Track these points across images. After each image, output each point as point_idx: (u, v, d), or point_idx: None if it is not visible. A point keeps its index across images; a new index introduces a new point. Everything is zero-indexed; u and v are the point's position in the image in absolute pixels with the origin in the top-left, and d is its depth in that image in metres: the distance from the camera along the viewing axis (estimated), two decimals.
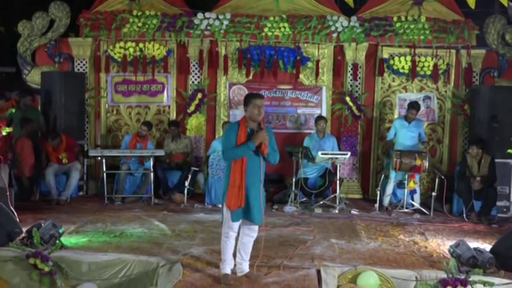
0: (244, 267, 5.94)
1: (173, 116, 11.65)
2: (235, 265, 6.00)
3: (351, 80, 11.47)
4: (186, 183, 10.24)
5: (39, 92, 11.40)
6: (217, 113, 11.65)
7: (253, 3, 11.61)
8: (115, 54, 11.52)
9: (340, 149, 10.86)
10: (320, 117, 10.79)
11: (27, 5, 13.89)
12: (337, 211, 9.85)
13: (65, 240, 7.11)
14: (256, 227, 5.87)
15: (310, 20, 11.36)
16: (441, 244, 7.72)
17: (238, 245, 5.98)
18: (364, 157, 11.65)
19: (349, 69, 11.48)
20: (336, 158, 10.07)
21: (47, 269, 6.24)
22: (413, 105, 10.32)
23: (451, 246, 6.54)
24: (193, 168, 10.45)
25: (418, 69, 11.32)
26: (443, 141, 11.55)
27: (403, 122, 10.37)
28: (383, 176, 10.42)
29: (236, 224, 5.81)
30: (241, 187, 5.70)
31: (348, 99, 11.34)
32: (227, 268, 5.90)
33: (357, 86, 11.47)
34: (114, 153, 10.56)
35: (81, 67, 11.63)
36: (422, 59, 11.31)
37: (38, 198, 10.30)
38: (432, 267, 6.47)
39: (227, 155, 5.81)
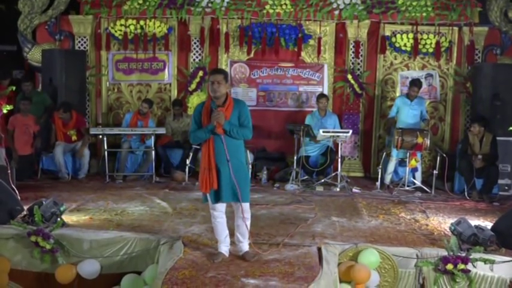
0: (243, 247, 5.89)
1: (174, 94, 11.61)
2: (236, 245, 5.96)
3: (352, 58, 11.41)
4: (188, 162, 10.22)
5: (40, 70, 11.36)
6: None
7: None
8: (116, 31, 11.46)
9: (341, 127, 10.82)
10: (321, 95, 10.75)
11: None
12: (338, 189, 9.84)
13: (67, 218, 7.11)
14: (242, 206, 5.69)
15: None
16: (442, 222, 7.71)
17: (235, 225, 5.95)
18: (365, 135, 11.63)
19: (351, 46, 11.40)
20: (338, 136, 10.05)
21: (48, 246, 6.25)
22: (415, 83, 10.26)
23: (452, 224, 6.51)
24: (194, 146, 10.41)
25: (420, 46, 11.25)
26: (445, 119, 11.51)
27: (405, 99, 10.32)
28: (384, 154, 10.39)
29: (217, 205, 5.76)
30: (211, 168, 5.62)
31: (349, 77, 11.29)
32: (221, 247, 5.89)
33: (358, 64, 11.40)
34: (115, 131, 10.52)
35: (81, 45, 11.57)
36: (425, 36, 11.24)
37: (40, 176, 10.30)
38: (433, 245, 6.45)
39: (192, 138, 5.82)
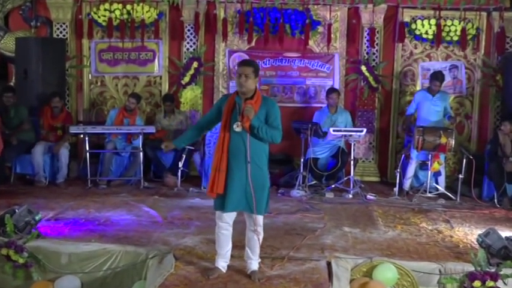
0: (251, 265, 5.85)
1: (165, 88, 11.62)
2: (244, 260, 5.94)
3: (367, 47, 11.41)
4: (180, 164, 10.20)
5: (13, 61, 11.36)
6: (215, 85, 11.62)
7: None
8: (99, 17, 11.46)
9: (354, 125, 10.83)
10: (332, 90, 10.74)
11: None
12: (351, 196, 9.85)
13: (42, 228, 7.08)
14: (255, 218, 5.67)
15: None
16: (469, 233, 7.71)
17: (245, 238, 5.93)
18: (382, 134, 11.63)
19: (365, 34, 11.40)
20: (350, 136, 10.05)
21: (21, 260, 6.24)
22: (437, 76, 10.25)
23: (479, 236, 6.51)
24: (188, 147, 10.38)
25: (443, 34, 11.23)
26: (472, 117, 11.51)
27: (426, 94, 10.30)
28: (403, 156, 10.37)
29: (224, 214, 5.71)
30: (222, 170, 5.59)
31: (363, 68, 11.28)
32: (218, 261, 5.86)
33: (374, 54, 11.40)
34: (98, 130, 10.51)
35: (60, 32, 11.58)
36: (449, 22, 11.21)
37: (13, 181, 10.31)
38: (458, 260, 6.45)
39: (194, 125, 6.03)
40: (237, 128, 5.52)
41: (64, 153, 10.40)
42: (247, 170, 5.55)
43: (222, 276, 5.75)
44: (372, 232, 7.65)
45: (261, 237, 5.75)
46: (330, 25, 11.33)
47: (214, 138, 9.78)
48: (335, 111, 10.61)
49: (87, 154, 10.27)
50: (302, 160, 10.23)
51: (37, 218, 6.86)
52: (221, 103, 5.80)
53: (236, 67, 11.11)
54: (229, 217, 5.76)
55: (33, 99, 10.74)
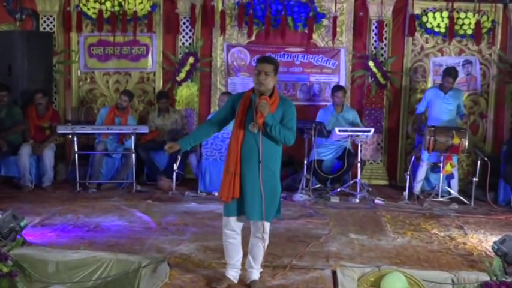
0: (252, 274, 5.85)
1: (159, 84, 11.64)
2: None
3: (375, 41, 11.42)
4: (175, 167, 10.21)
5: None
6: (212, 82, 11.64)
7: None
8: (88, 9, 11.47)
9: (361, 125, 10.82)
10: (337, 88, 10.75)
11: None
12: (357, 200, 9.87)
13: (28, 235, 7.08)
14: (261, 225, 5.66)
15: None
16: (483, 240, 7.72)
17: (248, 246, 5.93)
18: (390, 135, 11.65)
19: (373, 27, 11.42)
20: (357, 136, 10.06)
21: (5, 269, 6.21)
22: (450, 72, 10.25)
23: (495, 243, 6.50)
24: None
25: (456, 27, 11.24)
26: (487, 116, 11.52)
27: (438, 91, 10.31)
28: (413, 157, 10.39)
29: (232, 220, 5.71)
30: (236, 173, 5.60)
31: (371, 64, 11.29)
32: (228, 271, 5.85)
33: (382, 49, 11.41)
34: (87, 129, 10.53)
35: (47, 25, 11.58)
36: (462, 15, 11.22)
37: None
38: (472, 268, 6.47)
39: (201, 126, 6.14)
40: (252, 128, 5.52)
41: (48, 154, 10.36)
42: (259, 172, 5.55)
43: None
44: (380, 239, 7.66)
45: (266, 244, 5.76)
46: (335, 18, 11.34)
47: (211, 139, 9.79)
48: (341, 110, 10.62)
49: (76, 156, 10.26)
50: (305, 162, 10.21)
51: (22, 224, 6.84)
52: (235, 101, 5.79)
53: (236, 63, 11.33)
54: (237, 225, 5.76)
55: (18, 97, 10.74)
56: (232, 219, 5.71)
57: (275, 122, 5.53)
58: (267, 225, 5.69)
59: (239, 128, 5.64)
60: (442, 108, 10.25)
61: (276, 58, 11.20)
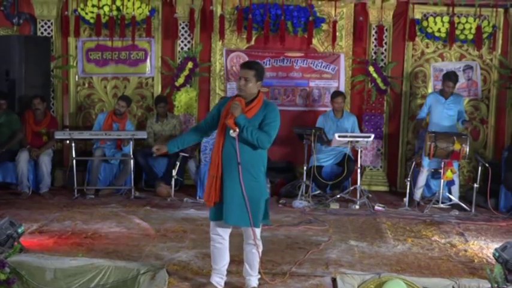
0: (251, 282, 5.88)
1: (158, 90, 11.63)
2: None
3: (375, 46, 11.44)
4: (174, 173, 10.22)
5: None
6: (211, 87, 11.64)
7: None
8: (86, 14, 11.47)
9: (361, 131, 10.85)
10: (337, 93, 10.75)
11: None
12: (357, 207, 9.88)
13: (26, 241, 7.09)
14: (249, 231, 5.68)
15: None
16: (484, 247, 7.72)
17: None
18: (391, 140, 11.65)
19: (373, 32, 11.44)
20: (357, 142, 10.06)
21: (3, 277, 6.22)
22: (450, 77, 10.25)
23: (496, 250, 6.50)
24: (182, 154, 10.39)
25: (457, 32, 11.25)
26: (488, 121, 11.53)
27: (439, 97, 10.32)
28: (414, 163, 10.39)
29: (216, 225, 5.76)
30: (217, 176, 5.65)
31: (371, 69, 11.30)
32: (213, 277, 5.89)
33: (382, 54, 11.43)
34: (85, 135, 10.53)
35: (45, 30, 11.59)
36: (463, 19, 11.24)
37: None
38: (473, 275, 6.48)
39: (189, 130, 6.24)
40: (233, 133, 5.56)
41: (45, 160, 10.36)
42: (239, 176, 5.57)
43: None
44: (380, 246, 7.66)
45: (260, 250, 5.77)
46: (335, 22, 11.35)
47: (210, 144, 9.80)
48: (341, 116, 10.63)
49: (74, 161, 10.26)
50: (305, 168, 10.22)
51: (20, 230, 6.86)
52: (221, 106, 5.85)
53: (235, 68, 11.34)
54: (223, 230, 5.79)
55: (15, 102, 10.75)
56: (216, 224, 5.77)
57: (248, 123, 5.54)
58: (257, 230, 5.71)
59: (221, 132, 5.71)
60: (443, 114, 10.24)
61: (275, 63, 11.31)
